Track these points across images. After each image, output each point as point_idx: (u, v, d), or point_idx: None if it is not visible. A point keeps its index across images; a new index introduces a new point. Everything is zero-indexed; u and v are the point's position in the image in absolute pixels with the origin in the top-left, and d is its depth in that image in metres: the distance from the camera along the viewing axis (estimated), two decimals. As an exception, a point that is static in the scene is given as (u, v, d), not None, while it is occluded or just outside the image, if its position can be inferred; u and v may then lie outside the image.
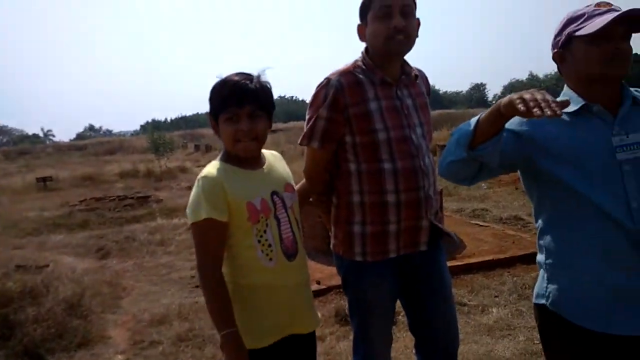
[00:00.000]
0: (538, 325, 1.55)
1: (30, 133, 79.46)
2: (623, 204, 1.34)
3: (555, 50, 1.45)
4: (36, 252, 6.48)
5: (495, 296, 3.86)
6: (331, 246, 1.93)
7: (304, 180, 1.93)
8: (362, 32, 1.82)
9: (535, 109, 1.15)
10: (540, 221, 1.52)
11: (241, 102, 1.50)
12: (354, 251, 1.81)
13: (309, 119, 1.79)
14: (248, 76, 1.54)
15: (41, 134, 78.47)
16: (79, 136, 75.25)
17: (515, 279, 4.16)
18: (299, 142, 1.84)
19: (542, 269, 1.51)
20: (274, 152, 1.77)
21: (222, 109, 1.52)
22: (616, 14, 1.30)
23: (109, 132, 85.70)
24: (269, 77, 1.60)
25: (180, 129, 52.71)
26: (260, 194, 1.55)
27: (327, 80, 1.75)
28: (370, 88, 1.75)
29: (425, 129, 1.86)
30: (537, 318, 1.55)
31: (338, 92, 1.71)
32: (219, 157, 1.60)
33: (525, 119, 1.44)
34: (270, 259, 1.54)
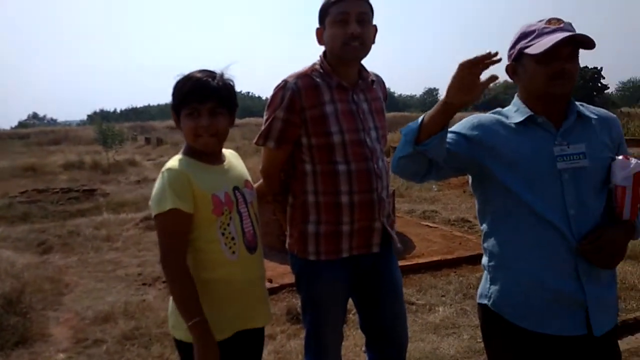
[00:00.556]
0: (480, 324, 1.63)
1: (-34, 119, 74.85)
2: (562, 212, 1.41)
3: (508, 62, 1.51)
4: (-29, 245, 6.13)
5: (442, 295, 3.99)
6: (286, 245, 1.95)
7: (261, 180, 1.94)
8: (320, 36, 1.85)
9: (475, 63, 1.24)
10: (485, 225, 1.59)
11: (202, 98, 1.53)
12: (308, 250, 1.85)
13: (266, 120, 1.81)
14: (211, 73, 1.57)
15: (-22, 121, 74.13)
16: (22, 124, 71.57)
17: (461, 279, 4.31)
18: (254, 141, 1.86)
19: (485, 271, 1.59)
20: (231, 150, 1.80)
21: (184, 104, 1.55)
22: (562, 35, 1.36)
23: (53, 121, 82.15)
24: (234, 72, 1.62)
25: (130, 121, 51.14)
26: (224, 188, 1.59)
27: (285, 82, 1.78)
28: (326, 91, 1.79)
29: (380, 133, 1.91)
30: (480, 317, 1.62)
31: (295, 94, 1.75)
32: (181, 151, 1.62)
33: (475, 123, 1.51)
34: (233, 252, 1.58)
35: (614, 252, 1.42)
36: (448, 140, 1.45)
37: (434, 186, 9.51)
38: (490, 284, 1.54)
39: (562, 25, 1.41)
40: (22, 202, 8.69)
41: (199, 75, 1.56)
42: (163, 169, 1.55)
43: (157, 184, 1.54)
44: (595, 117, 1.51)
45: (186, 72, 1.59)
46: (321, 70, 1.82)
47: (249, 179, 1.74)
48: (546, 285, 1.43)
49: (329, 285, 1.87)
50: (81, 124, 63.57)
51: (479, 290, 1.60)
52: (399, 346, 2.00)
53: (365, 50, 1.80)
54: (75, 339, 3.39)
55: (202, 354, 1.48)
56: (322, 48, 1.86)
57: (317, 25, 1.85)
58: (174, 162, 1.57)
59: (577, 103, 1.51)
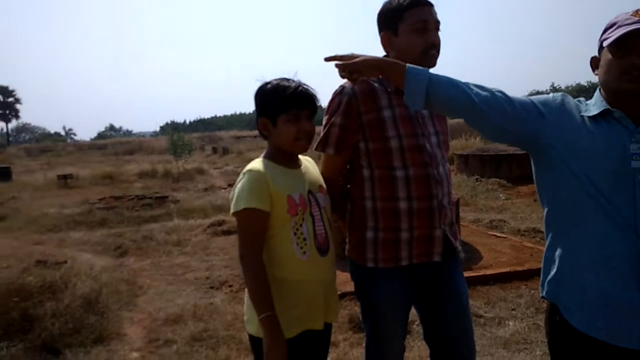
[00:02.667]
0: (546, 327, 1.56)
1: (52, 131, 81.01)
2: (630, 212, 1.32)
3: (594, 56, 1.44)
4: (56, 248, 6.60)
5: (512, 309, 3.81)
6: (345, 251, 1.95)
7: None
8: (387, 41, 1.83)
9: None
10: (548, 225, 1.51)
11: (303, 104, 1.65)
12: (366, 257, 1.82)
13: (324, 126, 1.83)
14: (299, 81, 1.68)
15: (63, 133, 79.98)
16: (100, 135, 76.50)
17: (532, 292, 4.10)
18: (314, 147, 1.87)
19: (548, 265, 1.50)
20: (308, 157, 1.86)
21: (284, 110, 1.65)
22: (637, 26, 1.27)
23: (128, 133, 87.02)
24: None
25: (198, 131, 53.26)
26: (299, 190, 1.66)
27: (342, 87, 1.79)
28: (384, 96, 1.78)
29: (441, 138, 1.87)
30: (546, 322, 1.55)
31: (351, 99, 1.75)
32: (262, 155, 1.73)
33: (558, 100, 1.47)
34: (304, 252, 1.63)
35: None
36: (522, 100, 1.42)
37: (501, 195, 9.16)
38: (549, 278, 1.47)
39: None
40: (100, 208, 9.23)
41: (291, 83, 1.66)
42: (244, 170, 1.66)
43: (238, 184, 1.63)
44: None
45: (266, 79, 1.70)
46: (380, 76, 1.81)
47: (323, 184, 1.80)
48: (613, 294, 1.34)
49: (387, 293, 1.84)
50: (154, 134, 67.05)
51: (541, 280, 1.52)
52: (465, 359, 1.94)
53: (437, 58, 1.80)
54: (148, 338, 3.55)
55: (270, 348, 1.52)
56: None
57: (381, 31, 1.83)
58: (254, 164, 1.67)
59: None
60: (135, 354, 3.33)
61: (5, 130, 70.05)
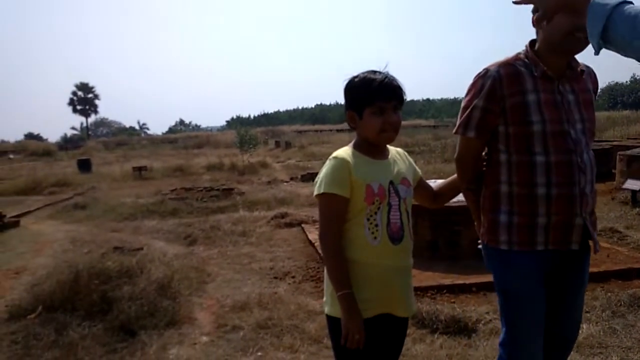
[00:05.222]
0: None
1: (127, 126, 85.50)
2: None
3: None
4: (132, 235, 7.00)
5: (587, 312, 3.61)
6: (479, 235, 1.96)
7: (453, 176, 2.01)
8: (538, 23, 1.73)
9: None
10: None
11: (388, 97, 1.68)
12: (500, 239, 1.81)
13: (464, 108, 1.82)
14: (385, 74, 1.71)
15: (137, 127, 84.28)
16: (171, 130, 79.75)
17: (609, 294, 3.87)
18: (453, 130, 1.89)
19: None
20: (399, 149, 1.90)
21: (369, 103, 1.69)
22: None
23: (197, 127, 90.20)
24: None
25: (262, 125, 54.41)
26: (379, 180, 1.70)
27: (486, 70, 1.78)
28: (529, 80, 1.74)
29: (587, 126, 1.80)
30: None
31: (495, 82, 1.74)
32: (351, 144, 1.78)
33: None
34: (375, 238, 1.68)
35: None
36: None
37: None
38: None
39: None
40: (172, 199, 9.68)
41: (379, 76, 1.69)
42: (331, 156, 1.73)
43: (323, 169, 1.72)
44: None
45: (354, 73, 1.74)
46: (526, 60, 1.77)
47: (409, 178, 1.82)
48: None
49: (521, 276, 1.81)
50: (221, 129, 69.15)
51: None
52: (567, 345, 1.93)
53: (586, 44, 1.71)
54: (217, 324, 3.70)
55: (347, 322, 1.62)
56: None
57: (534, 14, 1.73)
58: (341, 151, 1.74)
59: None
60: (205, 338, 3.48)
61: (85, 124, 74.85)
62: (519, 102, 1.72)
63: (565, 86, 1.77)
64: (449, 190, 2.03)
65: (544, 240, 1.75)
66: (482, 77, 1.76)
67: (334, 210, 1.68)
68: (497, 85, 1.72)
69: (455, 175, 1.98)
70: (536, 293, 1.81)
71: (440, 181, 2.21)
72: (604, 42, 1.16)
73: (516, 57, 1.79)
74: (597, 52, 1.21)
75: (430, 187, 2.02)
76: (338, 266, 1.66)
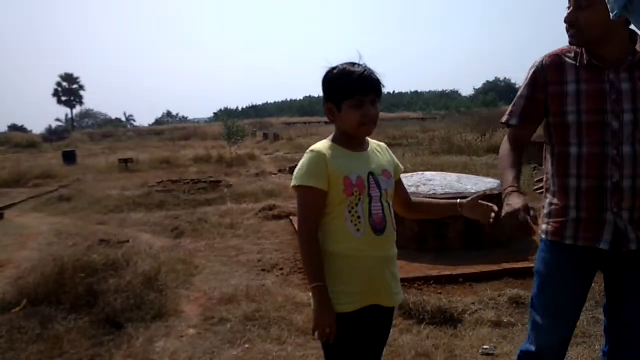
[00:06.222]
0: None
1: (113, 117, 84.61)
2: None
3: None
4: (118, 228, 6.94)
5: (570, 301, 3.68)
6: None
7: (444, 201, 2.00)
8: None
9: None
10: None
11: (367, 90, 1.67)
12: (541, 227, 1.86)
13: (515, 98, 1.88)
14: (364, 66, 1.68)
15: (123, 119, 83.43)
16: (158, 122, 79.02)
17: (593, 284, 3.92)
18: (501, 120, 1.92)
19: None
20: (381, 143, 1.90)
21: (348, 97, 1.67)
22: None
23: (184, 119, 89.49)
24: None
25: (250, 117, 54.09)
26: (358, 172, 1.69)
27: (535, 62, 1.82)
28: (572, 70, 1.75)
29: None
30: None
31: (538, 71, 1.79)
32: (329, 138, 1.78)
33: None
34: (358, 230, 1.68)
35: None
36: None
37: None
38: None
39: None
40: (158, 191, 9.61)
41: (358, 69, 1.67)
42: (309, 149, 1.73)
43: (301, 161, 1.72)
44: None
45: (333, 64, 1.71)
46: (577, 50, 1.77)
47: (390, 170, 1.81)
48: None
49: (551, 265, 1.83)
50: (208, 121, 68.61)
51: None
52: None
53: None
54: (204, 316, 3.69)
55: (318, 316, 1.63)
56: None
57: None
58: (318, 145, 1.74)
59: None
60: (192, 331, 3.47)
61: (70, 116, 73.80)
62: (558, 92, 1.75)
63: (620, 75, 1.69)
64: (428, 209, 1.97)
65: (573, 235, 1.75)
66: (531, 68, 1.82)
67: (309, 202, 1.68)
68: (539, 74, 1.78)
69: (444, 201, 1.94)
70: (560, 286, 1.81)
71: (427, 199, 2.17)
72: (627, 11, 1.23)
73: (567, 49, 1.80)
74: (615, 18, 1.27)
75: (406, 192, 1.95)
76: (312, 258, 1.66)
